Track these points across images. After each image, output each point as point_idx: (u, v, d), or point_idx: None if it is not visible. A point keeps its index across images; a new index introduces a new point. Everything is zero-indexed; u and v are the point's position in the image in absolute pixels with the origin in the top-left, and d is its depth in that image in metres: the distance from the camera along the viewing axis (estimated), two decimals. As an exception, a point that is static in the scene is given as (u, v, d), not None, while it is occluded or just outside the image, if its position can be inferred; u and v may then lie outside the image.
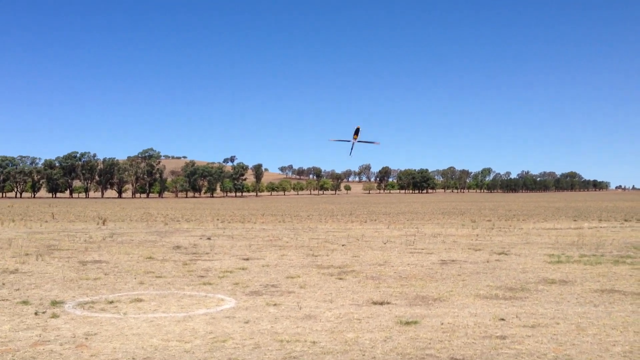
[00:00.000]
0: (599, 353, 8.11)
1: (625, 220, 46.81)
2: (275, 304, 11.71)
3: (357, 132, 27.77)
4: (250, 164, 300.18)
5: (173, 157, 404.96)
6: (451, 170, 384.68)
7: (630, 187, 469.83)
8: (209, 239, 28.39)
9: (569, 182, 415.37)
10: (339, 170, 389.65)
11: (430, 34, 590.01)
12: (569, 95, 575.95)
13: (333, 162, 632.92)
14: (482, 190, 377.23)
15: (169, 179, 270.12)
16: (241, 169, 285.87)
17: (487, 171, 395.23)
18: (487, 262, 18.78)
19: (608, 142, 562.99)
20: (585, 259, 19.20)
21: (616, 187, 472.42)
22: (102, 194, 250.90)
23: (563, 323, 9.96)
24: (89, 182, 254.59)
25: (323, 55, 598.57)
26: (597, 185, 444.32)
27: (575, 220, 47.15)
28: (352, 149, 28.01)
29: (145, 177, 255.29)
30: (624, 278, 15.12)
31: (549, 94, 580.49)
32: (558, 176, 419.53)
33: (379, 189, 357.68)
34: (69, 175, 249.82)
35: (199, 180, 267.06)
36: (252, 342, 8.78)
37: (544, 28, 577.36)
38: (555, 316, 10.52)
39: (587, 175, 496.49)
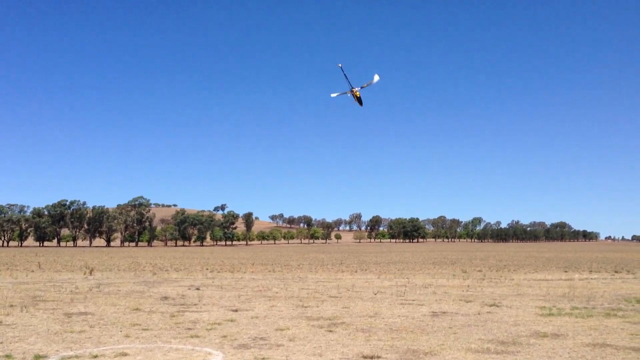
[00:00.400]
0: (592, 410, 7.99)
1: (616, 272, 46.77)
2: (263, 358, 11.51)
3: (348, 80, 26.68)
4: (240, 212, 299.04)
5: (163, 205, 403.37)
6: (442, 219, 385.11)
7: (620, 238, 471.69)
8: (197, 289, 28.04)
9: (559, 232, 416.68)
10: (329, 218, 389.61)
11: (420, 85, 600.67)
12: (560, 146, 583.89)
13: (324, 210, 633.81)
14: (472, 240, 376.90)
15: (159, 228, 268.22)
16: (232, 218, 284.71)
17: (477, 220, 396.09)
18: (479, 314, 18.62)
19: (598, 193, 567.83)
20: (577, 312, 19.10)
21: (606, 238, 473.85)
22: (90, 242, 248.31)
23: (555, 378, 9.83)
24: (78, 230, 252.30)
25: (313, 105, 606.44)
26: (586, 236, 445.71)
27: (566, 271, 47.07)
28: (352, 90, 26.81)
29: (135, 226, 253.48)
30: (616, 332, 15.02)
31: (539, 145, 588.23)
32: (548, 226, 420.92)
33: (370, 238, 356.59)
34: (58, 224, 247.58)
35: (189, 228, 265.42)
36: (239, 398, 8.58)
37: (524, 89, 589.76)
38: (547, 371, 10.39)
39: (577, 225, 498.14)
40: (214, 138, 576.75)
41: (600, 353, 12.16)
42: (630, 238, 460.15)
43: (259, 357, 11.64)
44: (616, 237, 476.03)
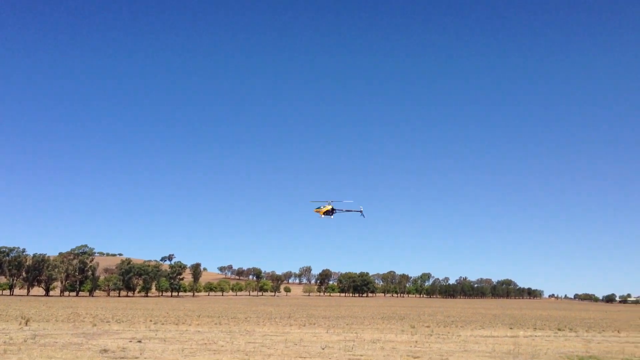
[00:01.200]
0: None
1: (559, 329, 47.67)
2: (206, 414, 11.13)
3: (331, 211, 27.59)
4: (188, 262, 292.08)
5: (108, 254, 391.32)
6: (391, 274, 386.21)
7: (563, 296, 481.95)
8: (139, 342, 27.07)
9: (505, 289, 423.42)
10: (279, 271, 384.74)
11: (368, 135, 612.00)
12: (506, 207, 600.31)
13: (273, 263, 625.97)
14: (421, 295, 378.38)
15: (102, 277, 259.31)
16: (179, 268, 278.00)
17: (426, 276, 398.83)
18: (425, 370, 18.58)
19: (542, 252, 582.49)
20: (521, 369, 19.29)
21: (549, 296, 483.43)
22: (28, 291, 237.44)
23: None
24: (15, 278, 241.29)
25: (261, 159, 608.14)
26: (531, 293, 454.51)
27: (511, 328, 47.67)
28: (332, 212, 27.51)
29: (77, 275, 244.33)
30: (558, 388, 15.22)
31: (486, 206, 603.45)
32: (494, 283, 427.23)
33: (319, 292, 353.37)
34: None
35: (134, 278, 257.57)
36: None
37: (467, 151, 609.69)
38: None
39: (522, 283, 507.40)
40: (162, 186, 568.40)
41: (543, 410, 12.28)
42: (572, 296, 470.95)
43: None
44: (559, 295, 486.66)
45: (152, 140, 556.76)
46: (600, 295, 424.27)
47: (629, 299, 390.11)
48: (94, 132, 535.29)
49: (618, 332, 46.52)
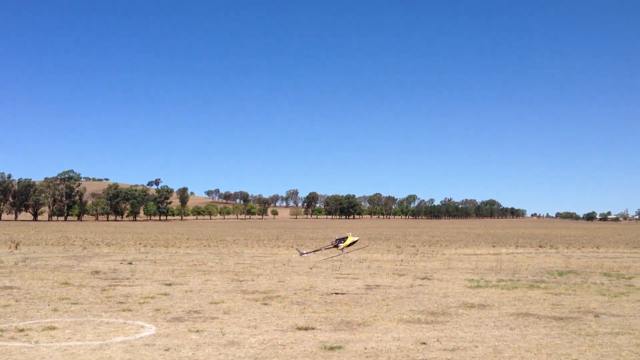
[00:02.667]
0: (515, 375, 8.38)
1: (540, 247, 49.03)
2: (197, 331, 11.42)
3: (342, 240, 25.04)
4: (175, 187, 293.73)
5: (94, 179, 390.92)
6: (377, 196, 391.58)
7: (545, 215, 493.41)
8: (130, 263, 27.46)
9: (489, 210, 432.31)
10: (266, 195, 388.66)
11: (357, 59, 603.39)
12: (490, 127, 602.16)
13: (260, 186, 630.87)
14: (407, 217, 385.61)
15: (90, 202, 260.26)
16: (166, 193, 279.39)
17: (412, 198, 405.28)
18: (411, 287, 19.12)
19: (525, 172, 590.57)
20: (503, 284, 19.91)
21: (532, 215, 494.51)
22: (16, 216, 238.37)
23: (481, 346, 10.24)
24: (2, 204, 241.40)
25: (250, 78, 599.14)
26: (514, 213, 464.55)
27: (494, 246, 48.94)
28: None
29: (64, 200, 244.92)
30: (538, 302, 15.77)
31: (471, 126, 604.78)
32: (478, 204, 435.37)
33: (306, 214, 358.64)
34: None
35: (122, 203, 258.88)
36: (172, 370, 8.50)
37: (458, 60, 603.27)
38: (474, 339, 10.81)
39: (505, 203, 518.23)
40: (148, 109, 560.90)
41: (524, 322, 12.75)
42: (554, 215, 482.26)
43: (193, 329, 11.55)
44: (541, 214, 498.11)
45: (139, 62, 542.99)
46: (581, 214, 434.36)
47: (609, 216, 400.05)
48: (78, 53, 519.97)
49: (597, 248, 47.96)
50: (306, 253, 20.33)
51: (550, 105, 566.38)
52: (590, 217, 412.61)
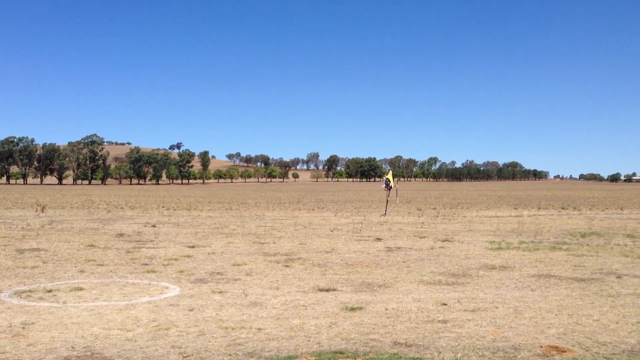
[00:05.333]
0: (535, 335, 8.41)
1: (562, 209, 48.63)
2: (220, 292, 11.61)
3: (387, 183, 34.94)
4: (197, 151, 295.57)
5: (117, 144, 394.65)
6: (398, 159, 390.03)
7: (568, 177, 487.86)
8: (153, 226, 27.88)
9: (511, 172, 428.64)
10: (287, 158, 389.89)
11: (377, 24, 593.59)
12: (512, 89, 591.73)
13: (281, 150, 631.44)
14: (428, 179, 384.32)
15: (113, 166, 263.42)
16: (187, 156, 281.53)
17: (433, 160, 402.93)
18: (432, 249, 19.16)
19: (548, 133, 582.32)
20: (524, 246, 19.85)
21: (555, 177, 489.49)
22: (41, 180, 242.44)
23: (502, 307, 10.27)
24: (27, 168, 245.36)
25: (271, 43, 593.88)
26: (537, 175, 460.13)
27: (515, 209, 48.65)
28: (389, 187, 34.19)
29: (88, 164, 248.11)
30: (560, 263, 15.71)
31: (492, 87, 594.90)
32: (500, 166, 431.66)
33: (327, 177, 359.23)
34: (6, 161, 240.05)
35: (144, 167, 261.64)
36: (196, 329, 8.68)
37: (474, 32, 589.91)
38: (495, 300, 10.84)
39: (528, 165, 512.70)
40: (169, 74, 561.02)
41: (545, 283, 12.73)
42: (577, 177, 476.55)
43: (216, 290, 11.75)
44: (564, 176, 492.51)
45: (159, 29, 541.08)
46: (605, 175, 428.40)
47: (634, 177, 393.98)
48: (100, 19, 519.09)
49: (621, 209, 47.43)
50: (385, 213, 22.41)
51: (572, 67, 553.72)
52: (614, 178, 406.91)
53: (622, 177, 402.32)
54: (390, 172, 24.43)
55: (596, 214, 40.39)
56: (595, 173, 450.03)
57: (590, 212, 43.88)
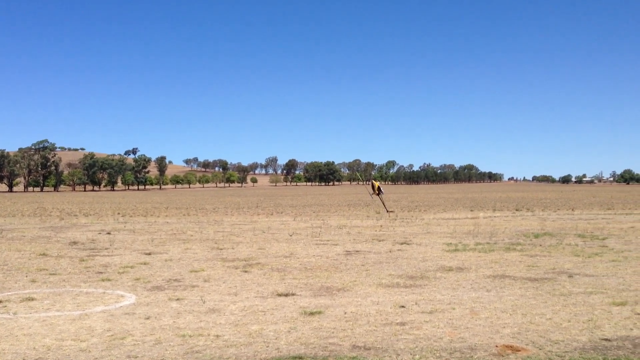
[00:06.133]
0: (490, 335, 8.57)
1: (517, 210, 49.77)
2: (178, 299, 11.44)
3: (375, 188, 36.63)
4: (153, 156, 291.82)
5: (70, 149, 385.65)
6: (357, 162, 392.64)
7: (522, 179, 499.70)
8: (108, 233, 27.30)
9: (467, 174, 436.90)
10: (245, 162, 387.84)
11: (328, 28, 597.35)
12: (468, 93, 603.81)
13: (239, 154, 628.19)
14: (386, 182, 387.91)
15: (66, 172, 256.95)
16: (144, 162, 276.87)
17: (391, 163, 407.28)
18: (390, 252, 19.32)
19: (502, 137, 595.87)
20: (480, 247, 20.22)
21: (509, 179, 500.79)
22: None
23: (458, 308, 10.43)
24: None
25: (228, 45, 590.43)
26: (492, 177, 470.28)
27: (472, 210, 49.56)
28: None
29: (39, 170, 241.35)
30: (514, 264, 16.06)
31: (449, 91, 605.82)
32: (457, 168, 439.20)
33: (286, 182, 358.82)
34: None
35: (99, 173, 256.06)
36: (152, 338, 8.53)
37: (432, 38, 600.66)
38: (452, 302, 11.00)
39: (483, 167, 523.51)
40: (123, 78, 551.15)
41: (500, 283, 12.99)
42: (530, 179, 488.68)
43: (173, 297, 11.57)
44: (518, 178, 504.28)
45: (113, 29, 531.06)
46: (557, 177, 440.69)
47: (584, 179, 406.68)
48: (46, 22, 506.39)
49: (572, 210, 48.84)
50: (387, 210, 23.05)
51: (525, 72, 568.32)
52: (565, 180, 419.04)
53: (573, 179, 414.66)
54: (376, 177, 25.55)
55: (549, 215, 41.47)
56: (547, 175, 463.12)
57: (543, 213, 45.02)
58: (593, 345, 8.02)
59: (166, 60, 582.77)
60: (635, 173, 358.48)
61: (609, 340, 8.29)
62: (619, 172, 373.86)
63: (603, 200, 76.27)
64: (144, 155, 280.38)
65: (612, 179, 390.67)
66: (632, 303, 10.75)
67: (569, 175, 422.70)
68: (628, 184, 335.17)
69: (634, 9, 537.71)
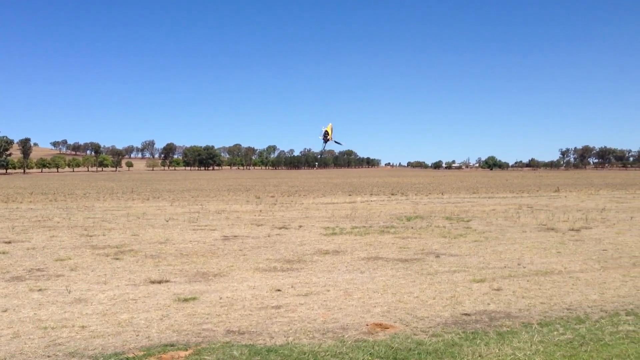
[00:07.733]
0: (362, 314, 8.85)
1: (392, 194, 51.88)
2: (40, 289, 10.72)
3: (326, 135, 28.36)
4: (15, 138, 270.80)
5: None
6: (237, 147, 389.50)
7: (397, 164, 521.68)
8: (-38, 221, 24.99)
9: (346, 160, 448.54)
10: (120, 146, 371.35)
11: (223, 13, 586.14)
12: (348, 82, 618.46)
13: (113, 137, 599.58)
14: (267, 167, 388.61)
15: None
16: (5, 144, 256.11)
17: (272, 148, 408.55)
18: (269, 236, 19.36)
19: (380, 124, 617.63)
20: (356, 230, 20.83)
21: (386, 164, 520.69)
22: None
23: (333, 290, 10.67)
24: None
25: (105, 25, 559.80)
26: (370, 163, 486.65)
27: (350, 195, 50.94)
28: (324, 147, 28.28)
29: None
30: (387, 246, 16.72)
31: (330, 79, 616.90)
32: (337, 154, 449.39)
33: (164, 166, 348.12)
34: None
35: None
36: (10, 331, 7.93)
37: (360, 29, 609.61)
38: (327, 284, 11.23)
39: (362, 153, 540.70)
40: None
41: (373, 265, 13.46)
42: (405, 164, 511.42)
43: (35, 288, 10.82)
44: (394, 164, 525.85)
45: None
46: (429, 163, 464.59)
47: (453, 165, 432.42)
48: None
49: (442, 194, 51.72)
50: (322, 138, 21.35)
51: (409, 65, 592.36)
52: (437, 165, 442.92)
53: (444, 165, 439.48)
54: (329, 125, 23.53)
55: (421, 199, 43.61)
56: (420, 161, 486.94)
57: (415, 197, 47.27)
58: (454, 320, 8.54)
59: (34, 36, 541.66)
60: (498, 160, 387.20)
61: (469, 314, 8.87)
62: (484, 158, 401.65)
63: (469, 185, 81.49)
64: (6, 137, 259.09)
65: (477, 165, 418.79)
66: (490, 280, 11.58)
67: (440, 161, 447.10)
68: (491, 169, 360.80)
69: None
